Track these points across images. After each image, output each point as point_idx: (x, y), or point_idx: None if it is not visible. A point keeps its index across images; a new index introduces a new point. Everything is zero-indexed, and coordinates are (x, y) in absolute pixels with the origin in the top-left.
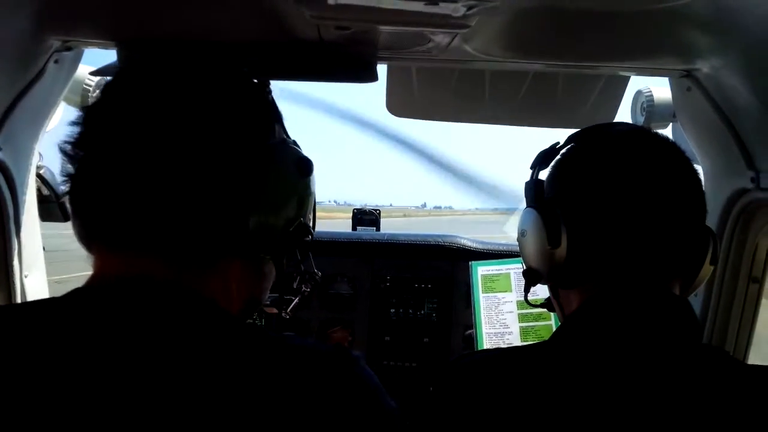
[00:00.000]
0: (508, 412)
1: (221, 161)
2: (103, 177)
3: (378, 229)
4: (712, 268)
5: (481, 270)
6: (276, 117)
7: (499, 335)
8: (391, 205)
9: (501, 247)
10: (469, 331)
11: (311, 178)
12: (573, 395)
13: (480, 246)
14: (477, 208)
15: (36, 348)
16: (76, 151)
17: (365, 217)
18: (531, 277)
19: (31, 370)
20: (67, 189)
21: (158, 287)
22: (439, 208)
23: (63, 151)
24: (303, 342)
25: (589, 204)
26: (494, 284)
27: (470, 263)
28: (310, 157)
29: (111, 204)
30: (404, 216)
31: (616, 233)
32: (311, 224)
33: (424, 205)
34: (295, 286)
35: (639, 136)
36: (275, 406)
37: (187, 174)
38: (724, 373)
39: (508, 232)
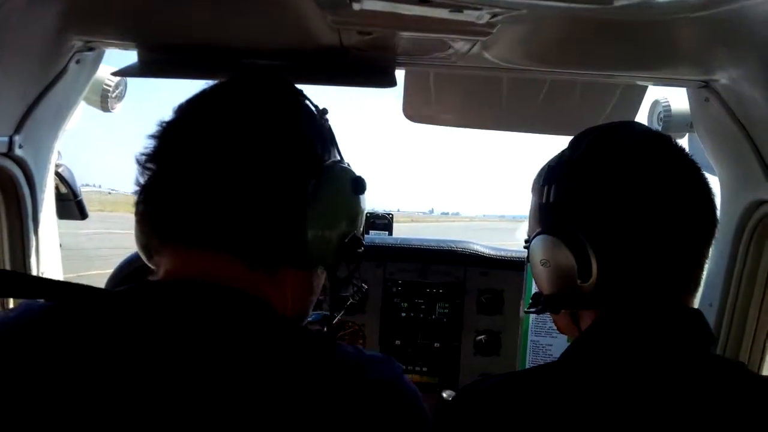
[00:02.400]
0: None
1: (285, 176)
2: (185, 186)
3: (390, 233)
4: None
5: None
6: (332, 139)
7: (542, 321)
8: (398, 210)
9: (514, 254)
10: (480, 336)
11: (363, 195)
12: (598, 412)
13: (493, 252)
14: (484, 215)
15: (121, 335)
16: (150, 163)
17: (378, 221)
18: (553, 306)
19: (111, 355)
20: (140, 196)
21: (227, 290)
22: (447, 214)
23: (139, 162)
24: (357, 358)
25: (617, 230)
26: None
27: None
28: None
29: (192, 209)
30: (411, 221)
31: (645, 257)
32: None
33: (432, 211)
34: (340, 297)
35: (655, 147)
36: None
37: (256, 187)
38: (741, 385)
39: (520, 239)
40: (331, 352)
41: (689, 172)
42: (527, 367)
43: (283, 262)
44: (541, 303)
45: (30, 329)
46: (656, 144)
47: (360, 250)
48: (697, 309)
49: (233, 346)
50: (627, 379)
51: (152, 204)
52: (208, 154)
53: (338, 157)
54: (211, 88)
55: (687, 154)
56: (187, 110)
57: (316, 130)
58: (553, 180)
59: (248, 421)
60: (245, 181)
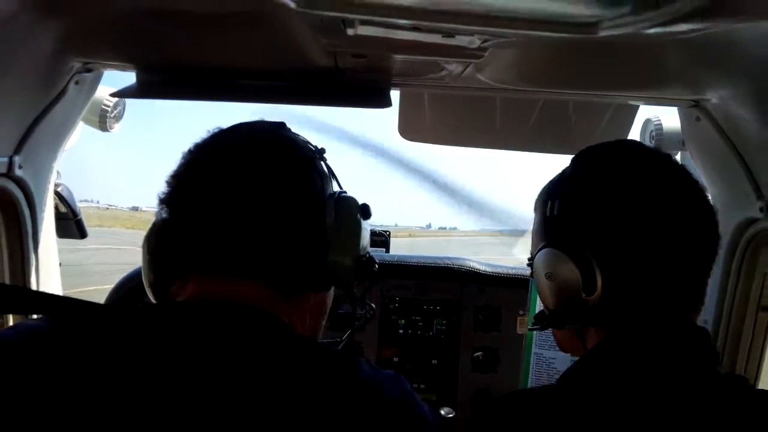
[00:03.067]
0: None
1: (306, 210)
2: (211, 223)
3: (387, 250)
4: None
5: None
6: (333, 174)
7: (546, 334)
8: (396, 225)
9: (510, 271)
10: (478, 353)
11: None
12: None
13: (489, 269)
14: (481, 229)
15: (151, 350)
16: (173, 201)
17: (375, 238)
18: (557, 321)
19: (134, 369)
20: (158, 232)
21: (253, 309)
22: (444, 228)
23: (161, 200)
24: (375, 378)
25: (620, 244)
26: None
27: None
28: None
29: (220, 243)
30: (409, 236)
31: (649, 271)
32: None
33: (429, 226)
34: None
35: (656, 163)
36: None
37: (279, 221)
38: (749, 404)
39: (517, 255)
40: (353, 372)
41: (690, 188)
42: (530, 379)
43: (306, 287)
44: (545, 320)
45: (57, 344)
46: (657, 160)
47: (375, 269)
48: (703, 327)
49: (262, 364)
50: (639, 399)
51: (176, 239)
52: (231, 193)
53: (340, 189)
54: (227, 132)
55: (687, 171)
56: (206, 152)
57: (322, 167)
58: (556, 195)
59: None
60: (269, 219)
